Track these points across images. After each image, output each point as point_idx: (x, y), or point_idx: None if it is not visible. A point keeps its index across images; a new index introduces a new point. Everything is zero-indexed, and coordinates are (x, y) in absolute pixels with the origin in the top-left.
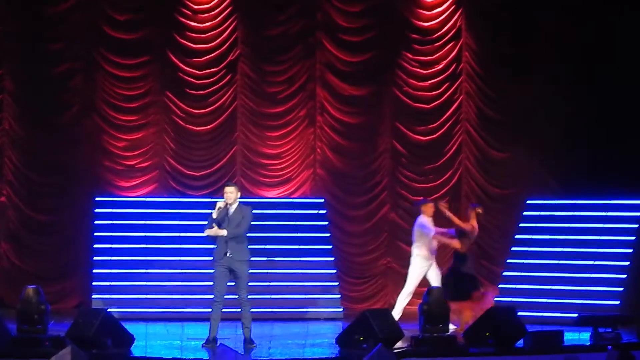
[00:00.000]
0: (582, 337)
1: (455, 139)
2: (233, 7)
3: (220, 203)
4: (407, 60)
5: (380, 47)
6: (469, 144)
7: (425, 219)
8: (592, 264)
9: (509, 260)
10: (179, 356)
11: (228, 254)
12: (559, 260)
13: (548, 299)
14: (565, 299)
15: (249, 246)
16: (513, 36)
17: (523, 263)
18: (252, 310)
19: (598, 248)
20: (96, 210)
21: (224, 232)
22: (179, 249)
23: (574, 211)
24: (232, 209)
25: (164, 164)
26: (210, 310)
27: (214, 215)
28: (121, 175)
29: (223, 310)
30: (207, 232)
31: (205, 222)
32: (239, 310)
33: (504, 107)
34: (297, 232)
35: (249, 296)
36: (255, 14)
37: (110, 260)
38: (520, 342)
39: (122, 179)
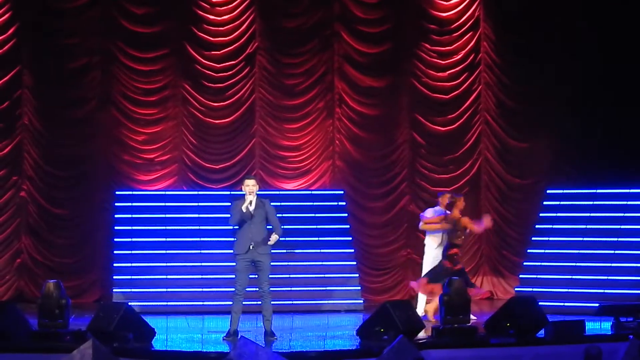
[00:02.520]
0: (604, 326)
1: (474, 130)
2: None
3: (251, 197)
4: (425, 50)
5: (397, 38)
6: (488, 134)
7: (431, 210)
8: (613, 253)
9: (529, 250)
10: (199, 349)
11: (252, 247)
12: (580, 249)
13: (569, 288)
14: (586, 289)
15: None
16: (530, 26)
17: (544, 253)
18: (272, 302)
19: (619, 237)
20: (116, 204)
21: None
22: (199, 242)
23: (594, 200)
24: (253, 203)
25: (183, 157)
26: (230, 303)
27: (244, 209)
28: (140, 168)
29: (244, 303)
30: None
31: (229, 215)
32: (260, 302)
33: (523, 97)
34: (317, 224)
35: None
36: (272, 6)
37: (131, 254)
38: (541, 332)
39: (141, 173)
